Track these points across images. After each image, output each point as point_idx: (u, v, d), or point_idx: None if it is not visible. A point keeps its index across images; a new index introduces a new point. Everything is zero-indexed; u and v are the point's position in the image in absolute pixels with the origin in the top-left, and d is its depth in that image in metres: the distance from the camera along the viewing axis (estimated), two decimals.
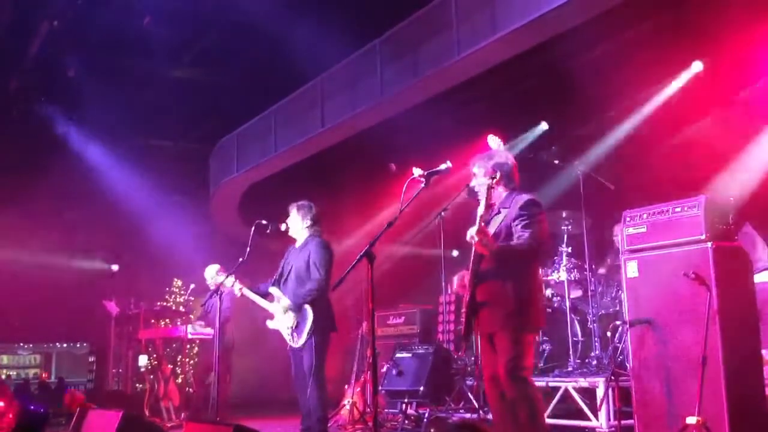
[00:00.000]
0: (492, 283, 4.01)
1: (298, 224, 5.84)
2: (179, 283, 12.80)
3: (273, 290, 5.80)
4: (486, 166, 4.18)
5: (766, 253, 5.95)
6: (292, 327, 5.57)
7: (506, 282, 3.97)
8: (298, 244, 5.88)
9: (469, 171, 4.32)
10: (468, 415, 6.75)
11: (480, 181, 4.16)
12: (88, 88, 10.22)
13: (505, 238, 4.03)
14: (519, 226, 4.01)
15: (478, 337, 4.21)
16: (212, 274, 7.82)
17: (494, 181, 4.05)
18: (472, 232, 3.86)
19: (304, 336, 5.50)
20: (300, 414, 5.70)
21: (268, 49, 9.22)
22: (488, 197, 3.99)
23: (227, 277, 5.87)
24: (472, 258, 4.02)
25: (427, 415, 6.91)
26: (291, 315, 5.58)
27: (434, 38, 8.28)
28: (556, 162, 6.87)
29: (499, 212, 4.11)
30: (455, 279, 4.25)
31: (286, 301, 5.64)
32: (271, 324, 5.77)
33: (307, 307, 5.53)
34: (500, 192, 4.15)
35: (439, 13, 8.22)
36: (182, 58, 10.58)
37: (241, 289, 5.81)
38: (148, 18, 9.21)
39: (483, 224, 3.92)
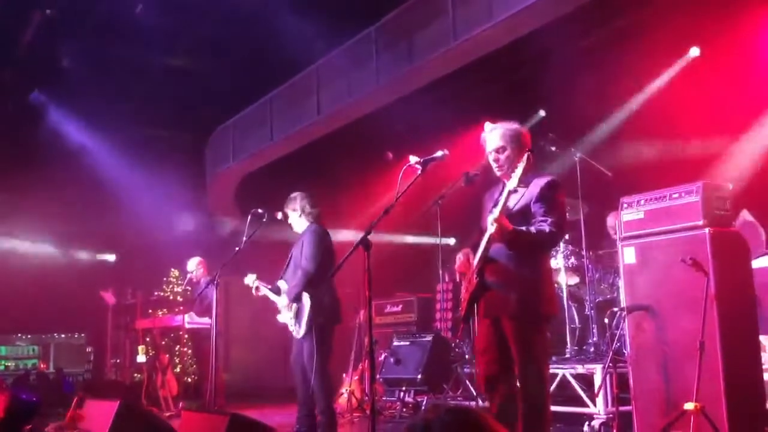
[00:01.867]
0: (506, 264, 3.76)
1: (295, 214, 5.85)
2: (176, 273, 12.78)
3: (280, 283, 5.84)
4: (515, 138, 3.90)
5: (763, 238, 5.94)
6: (294, 318, 5.59)
7: (519, 265, 3.74)
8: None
9: (481, 145, 4.01)
10: (466, 403, 6.76)
11: (510, 158, 3.86)
12: (81, 77, 10.16)
13: (520, 219, 3.76)
14: (541, 210, 3.75)
15: (476, 320, 3.91)
16: (193, 266, 7.92)
17: (527, 156, 3.70)
18: (492, 218, 3.60)
19: (304, 326, 5.50)
20: (296, 402, 5.71)
21: (263, 36, 9.15)
22: (523, 173, 3.64)
23: (249, 275, 5.90)
24: (483, 241, 3.78)
25: (425, 402, 6.93)
26: (293, 306, 5.61)
27: (430, 25, 8.24)
28: (554, 149, 6.84)
29: (516, 190, 3.74)
30: (459, 255, 4.01)
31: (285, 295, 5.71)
32: (279, 318, 5.80)
33: (305, 296, 5.52)
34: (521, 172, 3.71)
35: None
36: (176, 46, 10.50)
37: (257, 288, 5.83)
38: (141, 6, 9.14)
39: (504, 207, 3.64)
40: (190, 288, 8.85)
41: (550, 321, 3.92)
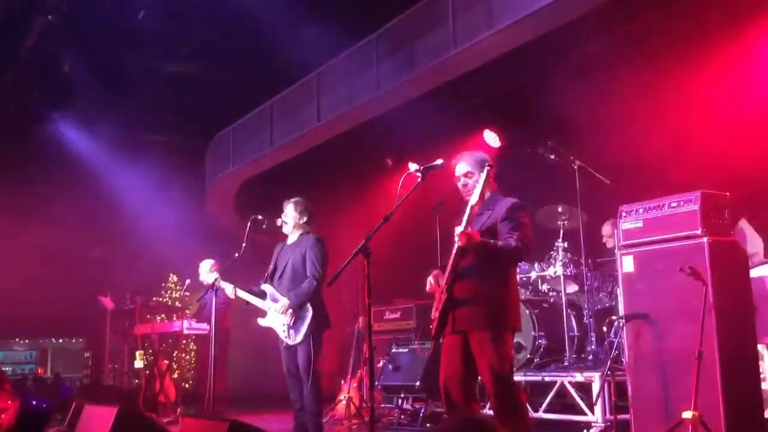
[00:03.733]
0: (472, 280, 3.99)
1: (293, 220, 5.82)
2: (175, 278, 12.78)
3: (266, 287, 5.78)
4: (479, 163, 4.17)
5: (761, 248, 5.97)
6: (288, 324, 5.56)
7: (487, 280, 3.97)
8: (290, 240, 5.86)
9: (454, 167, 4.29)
10: None
11: (471, 177, 4.15)
12: (82, 82, 10.18)
13: (488, 238, 4.00)
14: (506, 228, 4.00)
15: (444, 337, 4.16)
16: (206, 269, 7.83)
17: (488, 178, 4.03)
18: (459, 231, 3.85)
19: (302, 333, 5.50)
20: (292, 409, 5.72)
21: (264, 43, 9.18)
22: (482, 194, 3.97)
23: (217, 278, 5.87)
24: (452, 255, 3.99)
25: (423, 410, 6.92)
26: (289, 312, 5.56)
27: (430, 33, 8.26)
28: (552, 157, 6.87)
29: (481, 213, 4.09)
30: (430, 279, 4.19)
31: (284, 300, 5.61)
32: (263, 322, 5.74)
33: (308, 305, 5.54)
34: (485, 193, 4.12)
35: (435, 6, 8.19)
36: (177, 52, 10.52)
37: (235, 290, 5.80)
38: (143, 12, 9.16)
39: (468, 223, 3.91)
40: (188, 293, 8.86)
41: (515, 333, 4.13)
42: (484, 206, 4.08)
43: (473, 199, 3.96)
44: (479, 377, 4.08)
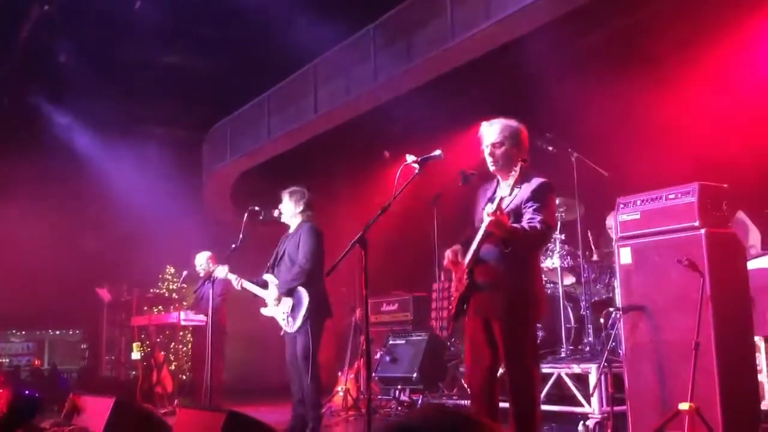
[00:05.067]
0: (496, 266, 3.79)
1: (290, 210, 5.84)
2: (172, 270, 12.77)
3: (267, 277, 5.82)
4: (514, 135, 3.92)
5: (759, 240, 5.97)
6: (287, 312, 5.59)
7: (511, 266, 3.77)
8: (291, 230, 5.89)
9: (478, 142, 4.01)
10: (462, 402, 6.77)
11: (507, 154, 3.89)
12: (79, 73, 10.14)
13: (512, 220, 3.78)
14: (531, 209, 3.78)
15: (466, 319, 3.95)
16: (202, 261, 7.81)
17: (520, 165, 3.74)
18: (490, 209, 3.59)
19: (299, 320, 5.52)
20: (291, 400, 5.72)
21: (262, 34, 9.15)
22: (520, 174, 3.70)
23: (219, 267, 5.87)
24: (477, 237, 3.80)
25: (420, 401, 6.93)
26: (286, 300, 5.59)
27: (428, 24, 8.24)
28: (550, 149, 6.85)
29: (510, 192, 3.79)
30: (447, 253, 3.98)
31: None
32: (265, 311, 5.78)
33: (303, 291, 5.54)
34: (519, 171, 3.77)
35: None
36: (174, 43, 10.49)
37: (239, 281, 5.80)
38: (139, 2, 9.12)
39: (498, 207, 3.62)
40: (185, 285, 8.85)
41: (539, 322, 3.94)
42: (514, 184, 3.76)
43: (504, 191, 3.69)
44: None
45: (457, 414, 1.70)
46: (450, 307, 4.01)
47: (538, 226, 3.73)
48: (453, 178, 6.25)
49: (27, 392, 5.02)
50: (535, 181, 3.87)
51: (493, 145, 3.94)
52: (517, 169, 3.74)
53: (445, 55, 8.06)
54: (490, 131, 3.97)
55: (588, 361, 5.99)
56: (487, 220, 3.65)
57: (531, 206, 3.79)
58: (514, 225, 3.74)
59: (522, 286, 3.80)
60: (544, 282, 7.15)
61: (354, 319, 8.23)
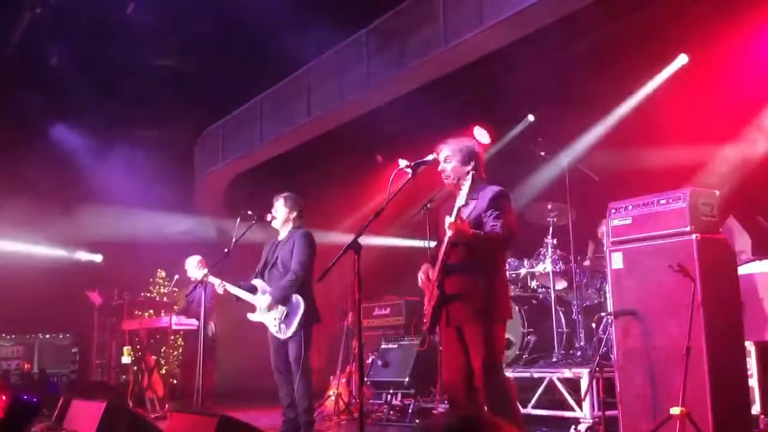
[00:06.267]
0: (462, 275, 3.97)
1: (283, 215, 5.80)
2: (163, 273, 12.72)
3: (257, 282, 5.75)
4: (462, 153, 4.13)
5: (749, 245, 6.00)
6: (279, 318, 5.54)
7: (477, 274, 3.95)
8: (281, 236, 5.84)
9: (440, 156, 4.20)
10: None
11: (455, 169, 4.11)
12: (71, 76, 10.11)
13: (474, 228, 3.94)
14: (491, 218, 3.97)
15: (440, 331, 4.15)
16: (193, 265, 7.79)
17: (472, 169, 4.01)
18: (449, 221, 3.79)
19: (294, 327, 5.48)
20: (281, 405, 5.70)
21: (255, 38, 9.16)
22: (470, 186, 3.91)
23: (206, 273, 5.82)
24: (442, 250, 3.97)
25: (412, 406, 6.93)
26: (279, 307, 5.54)
27: (421, 29, 8.27)
28: (542, 154, 6.88)
29: (466, 204, 4.00)
30: (420, 274, 4.16)
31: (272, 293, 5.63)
32: (253, 316, 5.71)
33: (299, 298, 5.51)
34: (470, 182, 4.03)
35: (426, 3, 8.21)
36: (167, 46, 10.48)
37: (222, 285, 5.74)
38: (132, 5, 9.11)
39: (458, 216, 3.84)
40: (176, 289, 8.82)
41: (505, 324, 4.11)
42: (469, 196, 3.99)
43: (460, 201, 3.90)
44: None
45: (492, 418, 1.72)
46: (425, 321, 4.17)
47: (500, 231, 3.93)
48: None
49: (25, 397, 4.98)
50: (490, 190, 4.07)
51: (444, 160, 4.16)
52: (468, 178, 3.95)
53: (438, 60, 8.09)
54: (442, 149, 4.20)
55: (579, 365, 6.00)
56: (449, 232, 3.81)
57: (491, 214, 3.99)
58: (476, 231, 3.91)
59: (489, 289, 3.96)
60: (535, 287, 7.20)
61: (346, 324, 8.21)
